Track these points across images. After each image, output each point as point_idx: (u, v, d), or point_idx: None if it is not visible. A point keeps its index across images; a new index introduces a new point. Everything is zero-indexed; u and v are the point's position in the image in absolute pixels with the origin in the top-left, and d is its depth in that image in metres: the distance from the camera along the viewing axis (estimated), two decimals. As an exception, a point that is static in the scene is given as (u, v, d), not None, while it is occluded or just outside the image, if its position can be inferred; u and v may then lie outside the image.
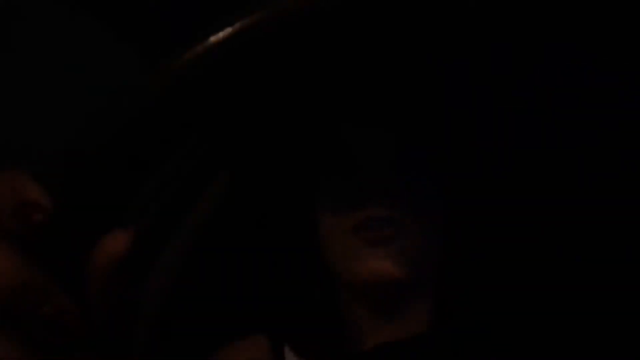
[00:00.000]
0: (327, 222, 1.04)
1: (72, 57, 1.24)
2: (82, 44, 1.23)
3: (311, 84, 1.18)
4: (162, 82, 1.23)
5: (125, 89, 1.25)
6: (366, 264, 0.99)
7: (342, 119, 1.10)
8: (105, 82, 1.22)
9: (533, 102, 1.18)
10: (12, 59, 1.23)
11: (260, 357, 1.01)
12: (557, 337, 1.02)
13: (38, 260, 0.85)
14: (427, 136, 1.09)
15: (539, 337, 1.01)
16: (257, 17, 1.14)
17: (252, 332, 1.04)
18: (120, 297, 0.73)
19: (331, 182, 1.06)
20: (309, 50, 1.14)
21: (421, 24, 1.12)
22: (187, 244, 1.28)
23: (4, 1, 1.20)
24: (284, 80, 1.18)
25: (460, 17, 1.12)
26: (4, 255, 0.71)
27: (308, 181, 1.10)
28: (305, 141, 1.15)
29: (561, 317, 1.08)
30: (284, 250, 1.16)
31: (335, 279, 1.05)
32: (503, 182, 1.18)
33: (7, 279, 0.70)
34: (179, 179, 1.27)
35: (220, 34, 1.18)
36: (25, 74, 1.22)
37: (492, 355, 0.97)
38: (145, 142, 1.23)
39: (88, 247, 1.19)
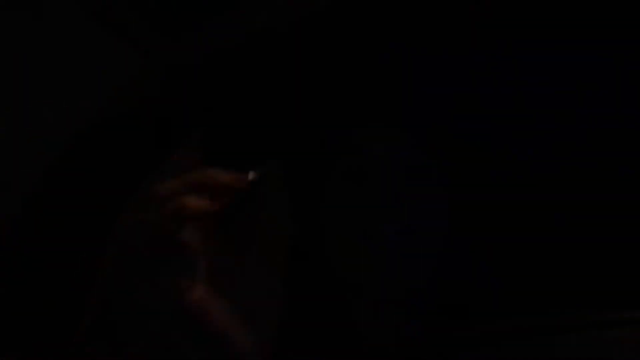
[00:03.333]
0: (335, 225, 1.04)
1: (71, 56, 1.24)
2: (81, 44, 1.23)
3: (325, 86, 1.18)
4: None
5: (124, 88, 1.25)
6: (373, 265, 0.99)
7: (354, 125, 1.11)
8: (104, 81, 1.22)
9: (536, 108, 1.18)
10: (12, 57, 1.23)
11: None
12: (555, 337, 1.02)
13: None
14: (435, 142, 1.09)
15: (537, 336, 1.01)
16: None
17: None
18: None
19: (340, 187, 1.06)
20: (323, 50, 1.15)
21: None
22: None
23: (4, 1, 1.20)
24: (299, 81, 1.19)
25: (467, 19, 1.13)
26: None
27: (314, 183, 1.10)
28: (317, 145, 1.15)
29: (560, 317, 1.08)
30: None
31: (339, 280, 1.05)
32: (505, 186, 1.18)
33: None
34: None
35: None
36: (24, 73, 1.22)
37: (490, 354, 0.97)
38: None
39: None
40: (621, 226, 1.17)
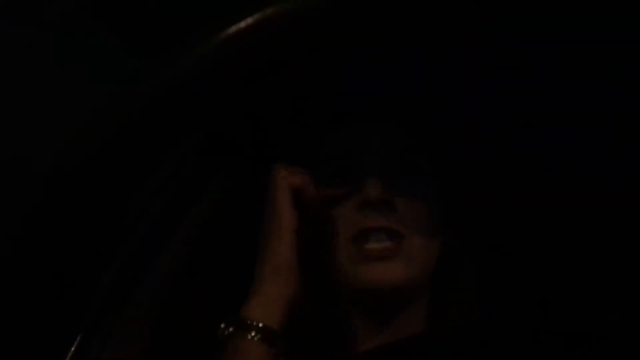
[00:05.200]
0: (327, 230, 1.04)
1: (72, 57, 1.24)
2: (82, 48, 1.24)
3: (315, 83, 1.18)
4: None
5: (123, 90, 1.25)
6: (367, 272, 0.99)
7: (345, 122, 1.11)
8: (104, 81, 1.23)
9: (533, 106, 1.18)
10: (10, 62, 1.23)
11: None
12: (554, 338, 1.02)
13: None
14: (429, 142, 1.09)
15: (537, 338, 1.01)
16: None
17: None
18: None
19: (331, 189, 1.06)
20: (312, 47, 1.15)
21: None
22: (185, 247, 1.29)
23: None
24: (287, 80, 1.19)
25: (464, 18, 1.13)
26: None
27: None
28: (306, 147, 1.15)
29: (559, 316, 1.08)
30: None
31: (334, 285, 1.05)
32: (502, 187, 1.18)
33: None
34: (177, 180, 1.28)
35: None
36: (24, 74, 1.23)
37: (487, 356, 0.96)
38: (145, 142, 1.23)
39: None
40: (620, 227, 1.16)
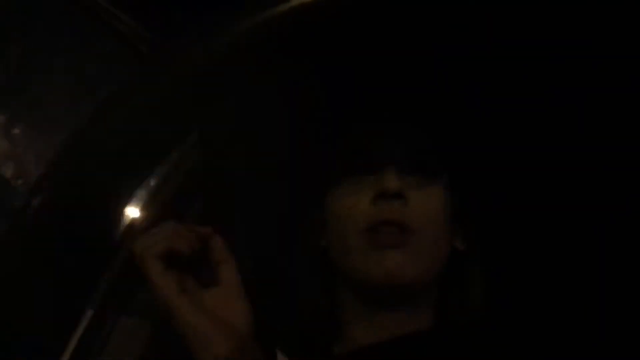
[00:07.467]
0: (337, 222, 1.04)
1: (72, 57, 1.24)
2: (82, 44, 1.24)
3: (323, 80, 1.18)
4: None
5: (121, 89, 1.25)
6: (378, 265, 0.99)
7: (355, 118, 1.11)
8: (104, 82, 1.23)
9: (537, 104, 1.18)
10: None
11: None
12: (556, 336, 1.02)
13: None
14: (438, 139, 1.09)
15: (538, 337, 1.00)
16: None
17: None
18: None
19: (342, 183, 1.06)
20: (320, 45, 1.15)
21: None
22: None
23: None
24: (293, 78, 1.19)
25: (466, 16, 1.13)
26: None
27: (318, 180, 1.10)
28: (318, 140, 1.15)
29: (561, 317, 1.08)
30: (284, 252, 1.16)
31: (337, 279, 1.05)
32: (509, 185, 1.18)
33: None
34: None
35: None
36: (24, 74, 1.23)
37: (492, 354, 0.96)
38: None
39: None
40: (624, 230, 1.17)
